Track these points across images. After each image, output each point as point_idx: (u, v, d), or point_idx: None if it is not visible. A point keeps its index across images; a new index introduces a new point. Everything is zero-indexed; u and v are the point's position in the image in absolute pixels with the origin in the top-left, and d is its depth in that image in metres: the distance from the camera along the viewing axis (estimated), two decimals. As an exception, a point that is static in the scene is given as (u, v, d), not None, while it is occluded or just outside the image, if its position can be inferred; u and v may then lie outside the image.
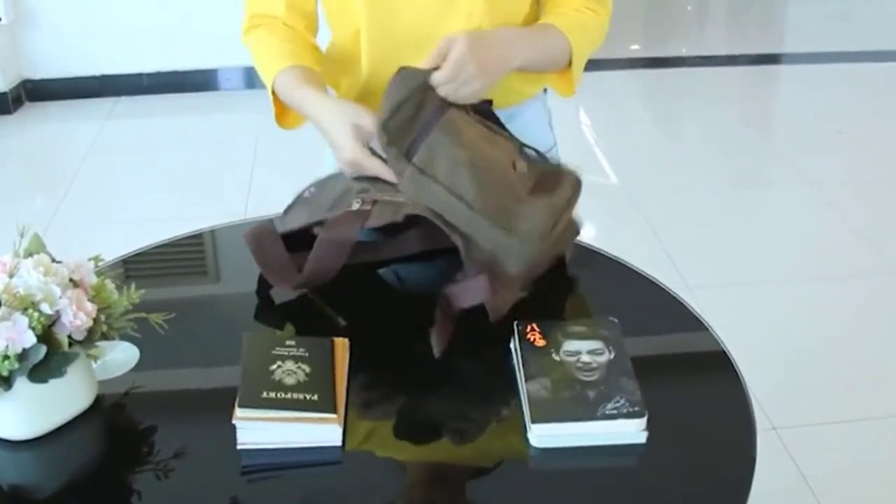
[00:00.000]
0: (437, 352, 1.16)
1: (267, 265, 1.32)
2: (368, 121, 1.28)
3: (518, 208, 1.23)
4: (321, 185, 1.43)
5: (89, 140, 4.36)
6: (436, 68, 1.26)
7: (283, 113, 1.48)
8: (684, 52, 5.81)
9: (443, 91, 1.27)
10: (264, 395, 1.04)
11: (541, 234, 1.23)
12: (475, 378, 1.19)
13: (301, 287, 1.29)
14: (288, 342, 1.14)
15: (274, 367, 1.09)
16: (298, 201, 1.41)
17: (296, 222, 1.34)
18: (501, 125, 1.40)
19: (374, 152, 1.28)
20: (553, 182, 1.32)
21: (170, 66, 4.85)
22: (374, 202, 1.25)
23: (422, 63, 1.27)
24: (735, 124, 4.63)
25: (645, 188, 3.86)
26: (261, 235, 1.34)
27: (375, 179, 1.28)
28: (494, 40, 1.33)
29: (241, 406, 1.03)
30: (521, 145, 1.39)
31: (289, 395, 1.05)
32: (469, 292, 1.21)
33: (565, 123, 1.66)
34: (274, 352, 1.11)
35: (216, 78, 4.89)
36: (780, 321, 2.93)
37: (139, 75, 4.84)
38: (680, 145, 4.53)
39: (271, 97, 1.44)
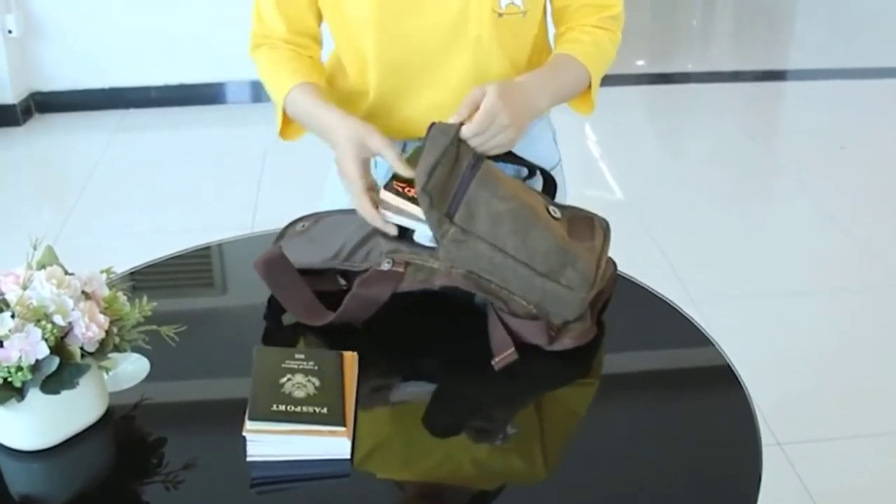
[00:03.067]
0: (498, 366, 1.18)
1: (283, 294, 1.31)
2: (376, 141, 1.29)
3: (563, 255, 1.22)
4: (315, 220, 1.43)
5: (98, 152, 4.36)
6: (463, 123, 1.25)
7: (287, 126, 1.49)
8: (689, 67, 5.82)
9: (473, 143, 1.26)
10: (274, 407, 1.05)
11: (588, 282, 1.22)
12: (482, 393, 1.19)
13: (321, 325, 1.28)
14: (297, 355, 1.14)
15: (284, 379, 1.09)
16: (291, 235, 1.40)
17: (304, 259, 1.33)
18: (520, 160, 1.40)
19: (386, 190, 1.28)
20: (585, 226, 1.32)
21: (178, 80, 4.86)
22: (407, 264, 1.25)
23: (453, 116, 1.26)
24: (740, 140, 4.63)
25: (650, 203, 3.86)
26: (271, 263, 1.32)
27: (408, 241, 1.27)
28: (522, 89, 1.32)
29: (251, 419, 1.04)
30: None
31: (298, 408, 1.05)
32: (527, 330, 1.21)
33: (571, 139, 1.66)
34: (284, 365, 1.12)
35: (224, 91, 4.91)
36: (784, 335, 2.92)
37: (147, 88, 4.86)
38: (685, 160, 4.53)
39: (280, 112, 1.45)
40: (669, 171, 4.28)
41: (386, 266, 1.25)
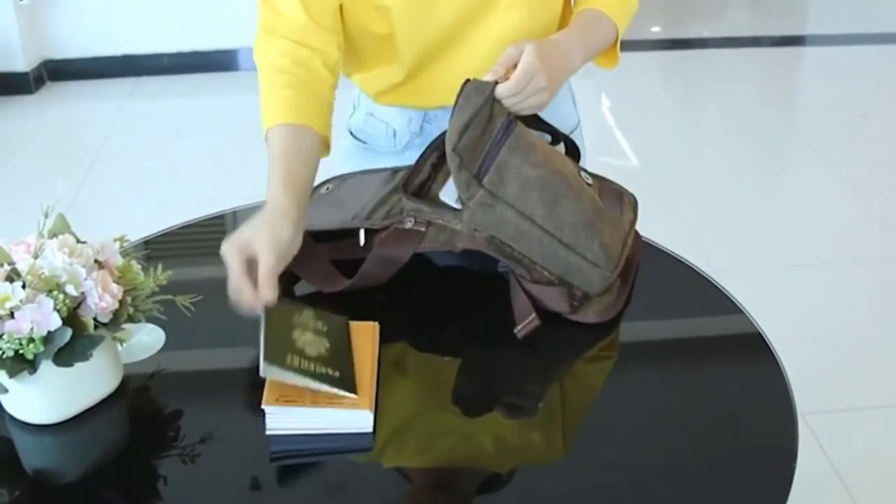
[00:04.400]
0: (520, 334, 1.16)
1: (297, 262, 1.25)
2: (265, 258, 1.11)
3: (591, 229, 1.19)
4: (341, 181, 1.40)
5: (110, 120, 4.35)
6: (497, 82, 1.21)
7: None
8: (706, 33, 5.75)
9: (507, 103, 1.22)
10: (289, 358, 1.01)
11: (613, 260, 1.20)
12: (505, 365, 1.16)
13: (338, 291, 1.25)
14: (306, 312, 1.11)
15: (296, 335, 1.06)
16: (317, 198, 1.37)
17: (323, 221, 1.30)
18: (544, 125, 1.36)
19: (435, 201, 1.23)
20: (614, 200, 1.29)
21: (190, 47, 4.85)
22: (429, 223, 1.22)
23: (487, 73, 1.22)
24: (758, 107, 4.58)
25: (667, 171, 3.83)
26: None
27: (429, 200, 1.24)
28: (559, 48, 1.28)
29: (266, 360, 0.99)
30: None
31: (312, 367, 1.02)
32: (548, 296, 1.19)
33: (586, 105, 1.63)
34: (293, 321, 1.08)
35: (237, 58, 4.87)
36: (805, 305, 2.90)
37: (160, 55, 4.84)
38: (702, 128, 4.49)
39: (265, 138, 1.30)
40: (686, 139, 4.24)
41: (408, 224, 1.22)
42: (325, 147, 1.31)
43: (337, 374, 1.03)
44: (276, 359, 1.01)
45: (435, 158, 1.27)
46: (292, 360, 1.02)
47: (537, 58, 1.20)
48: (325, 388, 1.01)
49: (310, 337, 1.07)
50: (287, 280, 1.29)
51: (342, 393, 1.01)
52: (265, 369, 1.00)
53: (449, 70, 1.38)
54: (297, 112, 1.27)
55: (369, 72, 1.47)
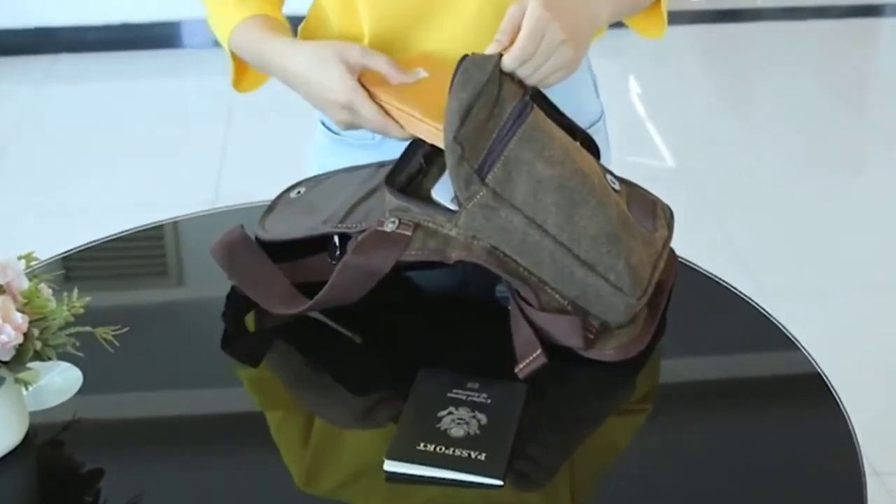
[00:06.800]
0: (522, 374, 1.17)
1: (249, 283, 1.29)
2: (356, 53, 1.31)
3: (616, 244, 1.19)
4: (316, 183, 1.41)
5: (21, 108, 4.38)
6: (502, 54, 1.21)
7: (241, 74, 1.50)
8: (760, 2, 5.79)
9: (522, 73, 1.22)
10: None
11: (641, 285, 1.20)
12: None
13: (303, 312, 1.26)
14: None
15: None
16: (282, 202, 1.39)
17: (289, 230, 1.31)
18: (559, 115, 1.36)
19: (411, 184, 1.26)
20: (646, 212, 1.30)
21: (121, 18, 4.87)
22: (417, 226, 1.21)
23: (491, 44, 1.22)
24: (823, 94, 4.62)
25: (709, 173, 3.86)
26: (233, 246, 1.30)
27: (418, 199, 1.23)
28: None
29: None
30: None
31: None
32: (557, 327, 1.19)
33: (609, 92, 1.63)
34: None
35: (178, 33, 4.90)
36: (876, 339, 2.91)
37: (84, 28, 4.87)
38: (753, 120, 4.52)
39: (229, 56, 1.45)
40: (734, 134, 4.28)
41: (390, 226, 1.21)
42: None
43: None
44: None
45: (429, 147, 1.27)
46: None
47: (545, 8, 1.19)
48: None
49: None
50: (237, 309, 1.30)
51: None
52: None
53: (429, 41, 1.40)
54: (255, 7, 1.42)
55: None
